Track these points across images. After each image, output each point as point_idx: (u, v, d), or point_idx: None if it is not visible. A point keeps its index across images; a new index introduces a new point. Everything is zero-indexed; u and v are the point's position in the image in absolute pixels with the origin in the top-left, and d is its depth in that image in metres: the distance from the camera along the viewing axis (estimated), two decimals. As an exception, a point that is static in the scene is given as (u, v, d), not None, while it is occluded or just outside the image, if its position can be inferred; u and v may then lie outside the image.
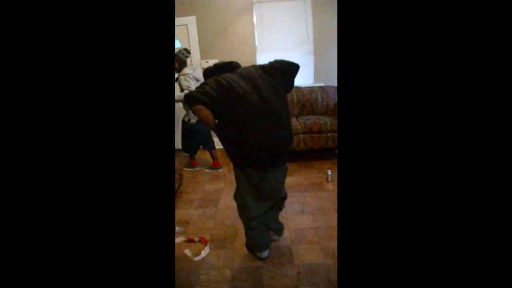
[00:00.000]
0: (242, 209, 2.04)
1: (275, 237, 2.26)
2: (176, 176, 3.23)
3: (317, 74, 4.60)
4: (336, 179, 3.30)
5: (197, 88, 1.81)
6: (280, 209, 2.27)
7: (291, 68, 2.02)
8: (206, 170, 3.89)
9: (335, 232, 2.31)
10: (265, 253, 2.11)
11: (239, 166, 1.94)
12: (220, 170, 3.85)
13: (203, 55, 4.51)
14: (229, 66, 1.98)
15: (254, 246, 2.11)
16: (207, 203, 2.99)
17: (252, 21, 4.43)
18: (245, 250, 2.19)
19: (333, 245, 2.17)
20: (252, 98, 1.80)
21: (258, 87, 1.84)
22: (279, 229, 2.28)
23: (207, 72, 2.00)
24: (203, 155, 4.30)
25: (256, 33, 4.46)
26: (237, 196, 2.06)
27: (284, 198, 2.20)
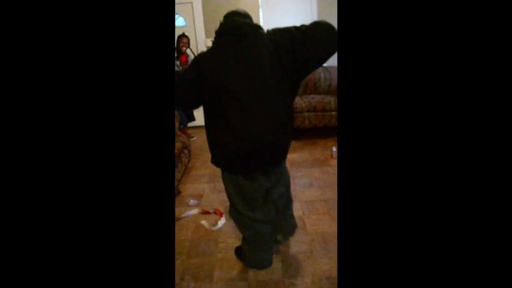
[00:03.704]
0: (239, 223, 1.74)
1: (280, 238, 1.86)
2: (186, 151, 3.32)
3: (320, 54, 4.64)
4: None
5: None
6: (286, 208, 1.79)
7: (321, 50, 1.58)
8: None
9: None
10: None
11: (226, 170, 1.63)
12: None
13: (208, 34, 4.52)
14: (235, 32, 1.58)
15: (249, 263, 1.82)
16: (217, 178, 3.10)
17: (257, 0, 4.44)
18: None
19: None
20: (242, 85, 1.43)
21: (257, 70, 1.46)
22: (292, 226, 1.84)
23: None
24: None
25: (260, 11, 4.47)
26: (232, 212, 1.74)
27: (289, 201, 1.81)
